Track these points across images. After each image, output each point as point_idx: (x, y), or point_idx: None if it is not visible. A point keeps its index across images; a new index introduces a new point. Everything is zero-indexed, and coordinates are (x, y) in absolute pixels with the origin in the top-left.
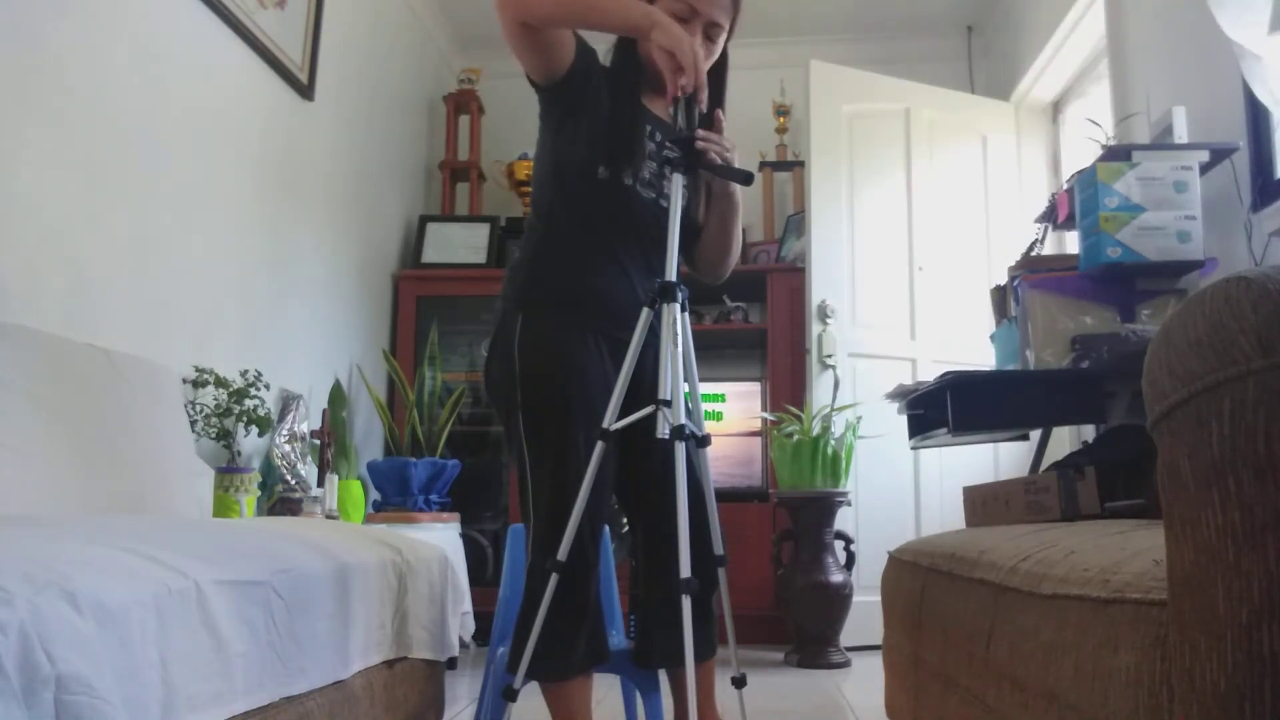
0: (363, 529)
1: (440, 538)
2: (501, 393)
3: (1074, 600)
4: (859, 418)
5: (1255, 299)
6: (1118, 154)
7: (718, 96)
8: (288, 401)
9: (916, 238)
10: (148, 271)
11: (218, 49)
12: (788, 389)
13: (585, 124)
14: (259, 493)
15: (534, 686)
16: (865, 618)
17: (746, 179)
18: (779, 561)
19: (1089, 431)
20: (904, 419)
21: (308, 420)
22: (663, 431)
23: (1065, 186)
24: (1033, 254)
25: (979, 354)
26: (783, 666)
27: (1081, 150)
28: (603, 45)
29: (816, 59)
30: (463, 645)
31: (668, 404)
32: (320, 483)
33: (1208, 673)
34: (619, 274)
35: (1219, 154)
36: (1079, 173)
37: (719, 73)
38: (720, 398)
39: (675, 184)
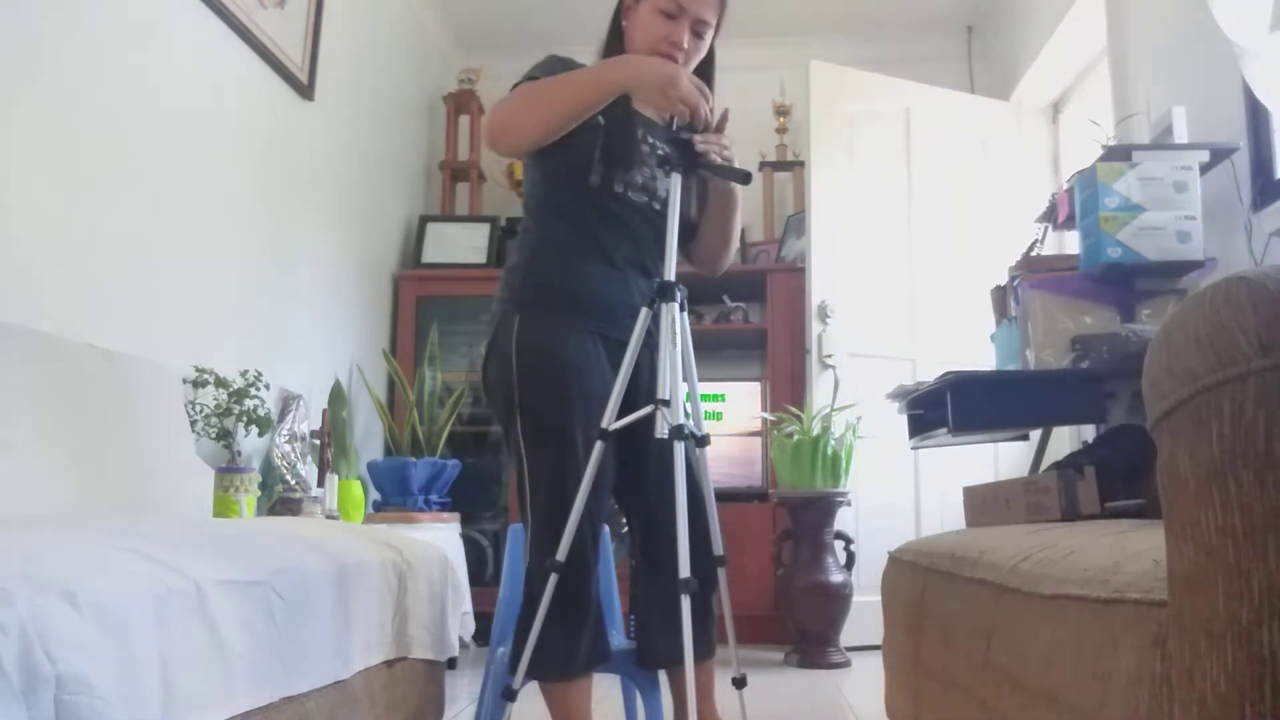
0: (363, 529)
1: (440, 538)
2: (499, 394)
3: (1074, 600)
4: (859, 418)
5: (1255, 299)
6: (1118, 154)
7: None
8: (288, 401)
9: (916, 238)
10: (148, 271)
11: (218, 49)
12: (788, 389)
13: (577, 133)
14: (259, 493)
15: (534, 686)
16: (865, 618)
17: (745, 178)
18: (779, 561)
19: (1089, 431)
20: (904, 419)
21: (308, 420)
22: (661, 431)
23: (1065, 186)
24: (1033, 254)
25: (979, 354)
26: (783, 666)
27: (1081, 150)
28: (592, 46)
29: (816, 59)
30: (463, 645)
31: (666, 404)
32: (320, 483)
33: (1208, 673)
34: (615, 276)
35: (1219, 154)
36: (1079, 173)
37: (706, 70)
38: (720, 398)
39: (674, 185)
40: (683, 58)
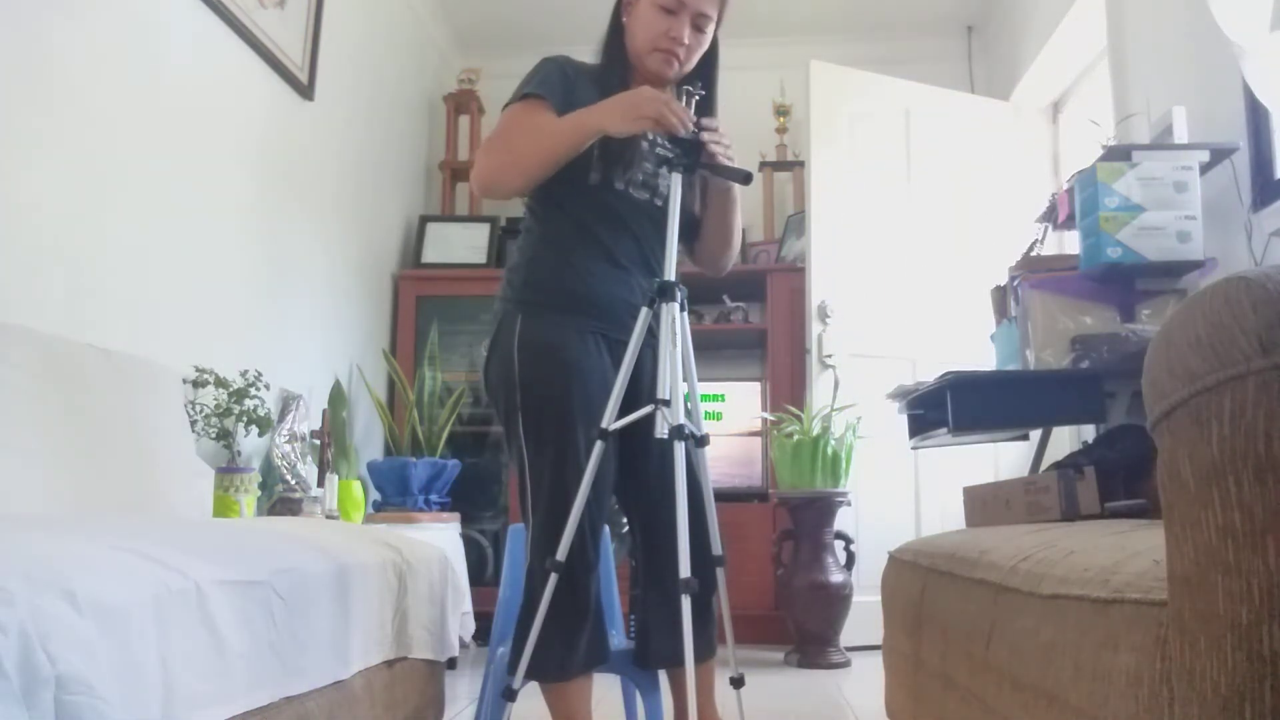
0: (363, 529)
1: (440, 538)
2: (501, 394)
3: (1074, 600)
4: (859, 418)
5: (1255, 299)
6: (1118, 154)
7: (709, 85)
8: (288, 401)
9: (916, 237)
10: (148, 271)
11: (218, 49)
12: (788, 389)
13: None
14: (259, 493)
15: (534, 686)
16: (865, 618)
17: (746, 179)
18: (779, 561)
19: (1089, 431)
20: (904, 419)
21: (308, 420)
22: (661, 431)
23: (1065, 186)
24: (1033, 254)
25: (979, 354)
26: (783, 666)
27: (1081, 150)
28: (589, 45)
29: (816, 59)
30: (463, 645)
31: (666, 404)
32: (320, 483)
33: (1208, 673)
34: (618, 274)
35: (1219, 154)
36: (1079, 173)
37: (709, 63)
38: (720, 398)
39: (674, 184)
40: (684, 52)
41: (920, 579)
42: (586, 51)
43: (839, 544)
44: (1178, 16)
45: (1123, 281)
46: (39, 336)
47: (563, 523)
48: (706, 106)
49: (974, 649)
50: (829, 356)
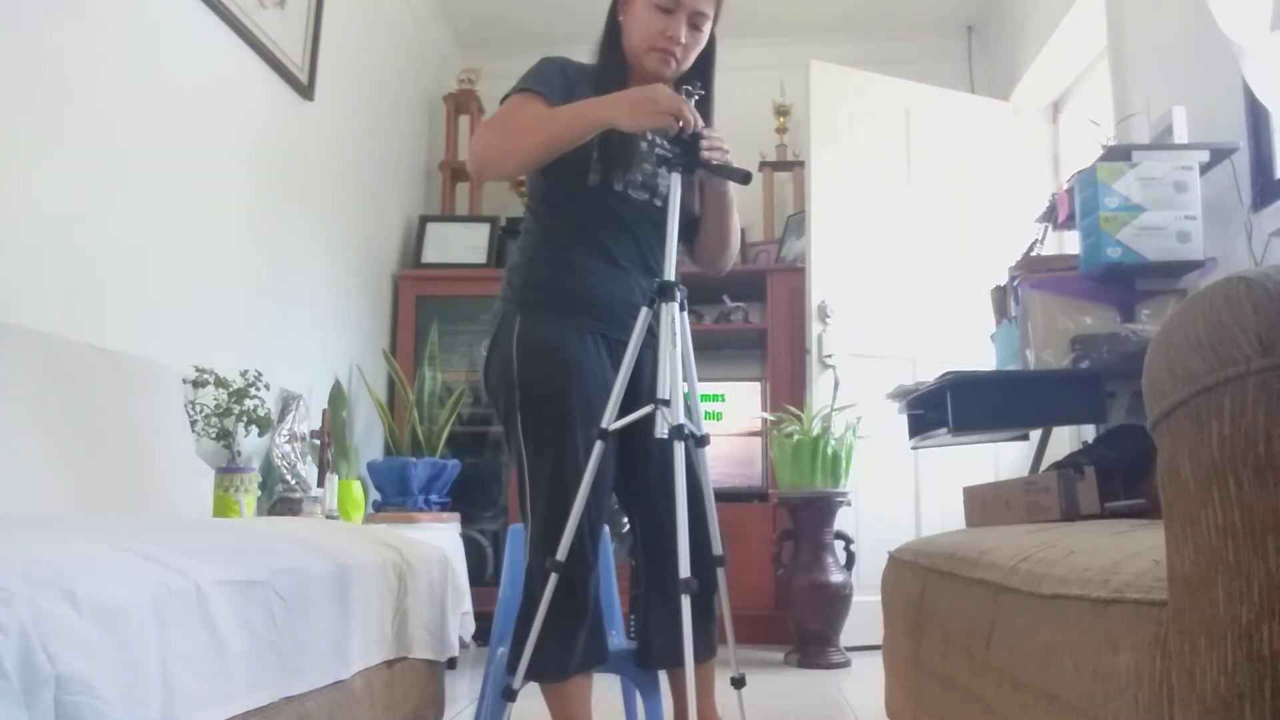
0: (363, 529)
1: (440, 538)
2: (500, 394)
3: (1074, 600)
4: (859, 418)
5: (1255, 299)
6: (1118, 154)
7: (706, 83)
8: (288, 401)
9: (916, 237)
10: (148, 271)
11: (218, 49)
12: (788, 389)
13: None
14: (259, 493)
15: (534, 686)
16: (865, 618)
17: (745, 179)
18: (779, 561)
19: (1089, 431)
20: (904, 419)
21: (308, 420)
22: (661, 431)
23: (1065, 186)
24: (1033, 254)
25: (979, 354)
26: (783, 666)
27: (1081, 150)
28: (589, 45)
29: (816, 59)
30: (463, 645)
31: (666, 403)
32: (320, 483)
33: (1208, 673)
34: (617, 275)
35: (1219, 154)
36: (1079, 173)
37: (707, 60)
38: (720, 398)
39: (674, 184)
40: (681, 51)
41: (920, 579)
42: (586, 51)
43: (839, 544)
44: (1178, 16)
45: (1123, 281)
46: (39, 336)
47: (562, 523)
48: (705, 105)
49: (974, 649)
50: (829, 356)
